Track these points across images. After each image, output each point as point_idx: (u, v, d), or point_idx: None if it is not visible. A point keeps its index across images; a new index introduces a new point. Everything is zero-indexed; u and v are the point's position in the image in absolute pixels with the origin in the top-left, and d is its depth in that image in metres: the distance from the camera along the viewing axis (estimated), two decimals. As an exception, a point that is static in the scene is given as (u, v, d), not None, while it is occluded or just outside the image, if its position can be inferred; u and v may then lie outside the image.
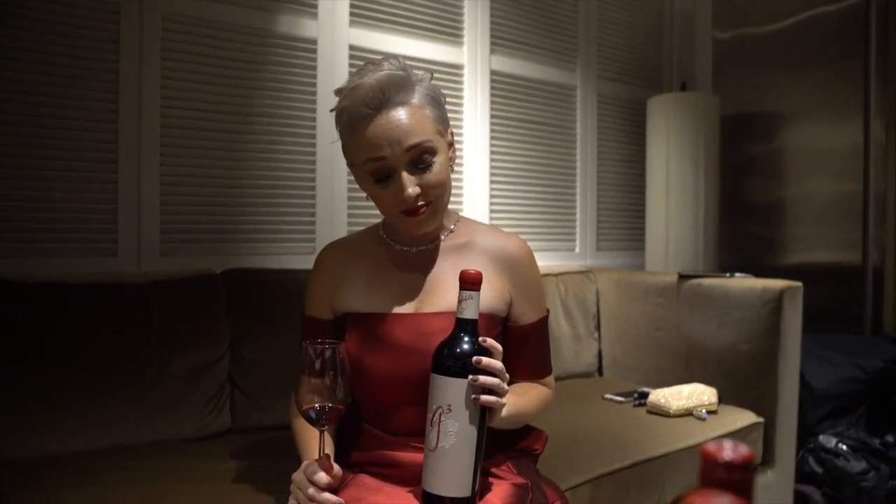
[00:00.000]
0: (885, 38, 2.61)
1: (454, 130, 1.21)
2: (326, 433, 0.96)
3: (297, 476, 0.96)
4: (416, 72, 1.08)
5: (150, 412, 1.52)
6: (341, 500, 0.94)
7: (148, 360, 1.54)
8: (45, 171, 1.64)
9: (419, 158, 1.03)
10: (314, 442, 0.98)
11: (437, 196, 1.06)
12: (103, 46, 1.71)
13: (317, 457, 0.96)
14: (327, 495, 0.93)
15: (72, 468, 1.31)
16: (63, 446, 1.41)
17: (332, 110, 1.08)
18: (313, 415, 0.93)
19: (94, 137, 1.70)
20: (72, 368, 1.46)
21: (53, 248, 1.66)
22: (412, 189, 1.02)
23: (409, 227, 1.08)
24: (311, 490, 0.93)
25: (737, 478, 0.41)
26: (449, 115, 1.14)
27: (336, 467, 0.97)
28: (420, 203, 1.04)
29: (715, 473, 0.42)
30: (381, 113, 1.02)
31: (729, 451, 0.42)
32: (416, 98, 1.04)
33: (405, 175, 1.03)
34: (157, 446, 1.48)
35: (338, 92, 1.07)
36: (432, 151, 1.04)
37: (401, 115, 1.02)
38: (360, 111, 1.02)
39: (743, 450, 0.42)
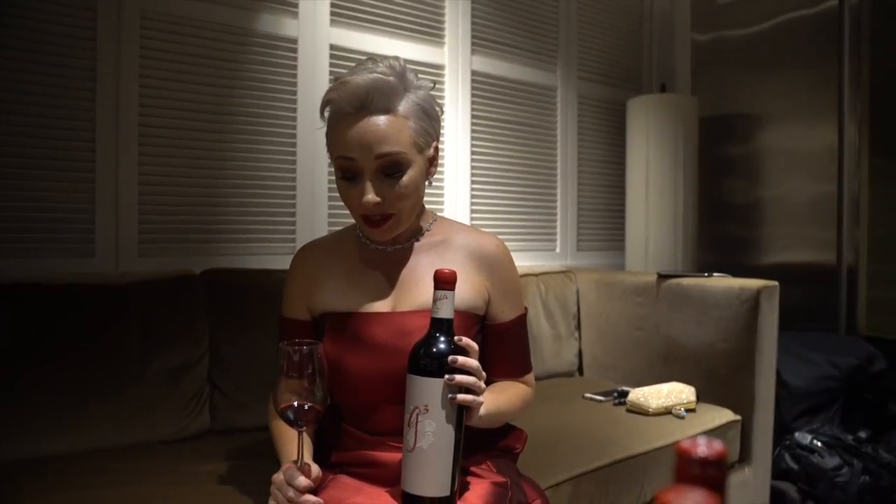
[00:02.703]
0: (857, 41, 2.66)
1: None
2: (305, 434, 0.96)
3: (277, 478, 0.96)
4: (415, 79, 1.07)
5: (129, 414, 1.50)
6: (321, 501, 0.94)
7: (127, 362, 1.52)
8: (19, 170, 1.61)
9: (388, 168, 1.03)
10: (293, 443, 0.98)
11: (400, 209, 1.06)
12: (80, 44, 1.68)
13: (295, 458, 0.96)
14: (307, 497, 0.93)
15: (51, 471, 1.29)
16: (41, 449, 1.39)
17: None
18: (291, 415, 0.93)
19: (71, 136, 1.68)
20: (49, 371, 1.43)
21: (28, 248, 1.63)
22: (371, 196, 1.02)
23: (369, 233, 1.10)
24: (292, 492, 0.92)
25: (711, 473, 0.42)
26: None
27: (316, 469, 0.97)
28: (379, 214, 1.05)
29: (689, 470, 0.42)
30: (361, 115, 1.02)
31: (703, 448, 0.42)
32: (402, 107, 1.03)
33: (369, 182, 1.03)
34: (137, 448, 1.47)
35: (333, 80, 1.07)
36: (404, 163, 1.03)
37: (380, 121, 1.02)
38: (342, 108, 1.03)
39: (717, 446, 0.43)
